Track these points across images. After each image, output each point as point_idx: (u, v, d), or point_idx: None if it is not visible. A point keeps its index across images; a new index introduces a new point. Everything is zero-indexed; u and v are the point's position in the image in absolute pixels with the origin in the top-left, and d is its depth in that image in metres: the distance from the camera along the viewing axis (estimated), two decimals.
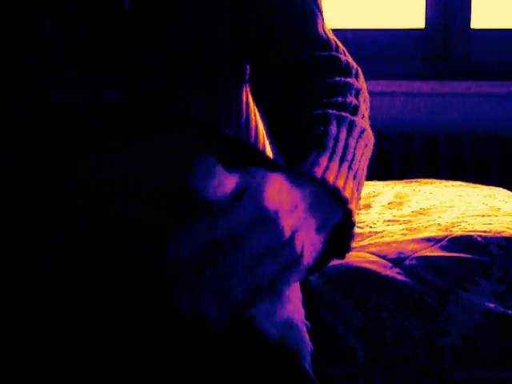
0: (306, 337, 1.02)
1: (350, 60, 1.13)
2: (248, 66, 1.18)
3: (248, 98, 1.20)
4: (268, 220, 0.80)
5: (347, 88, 1.05)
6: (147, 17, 1.17)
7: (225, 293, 0.79)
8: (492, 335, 1.22)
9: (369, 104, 1.08)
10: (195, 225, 0.79)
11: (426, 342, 1.22)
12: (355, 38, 2.68)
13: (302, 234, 0.82)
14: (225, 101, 1.14)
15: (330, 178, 0.87)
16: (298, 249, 0.81)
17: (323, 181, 0.86)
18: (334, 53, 1.12)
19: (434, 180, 1.89)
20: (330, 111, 0.98)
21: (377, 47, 2.71)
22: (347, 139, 0.94)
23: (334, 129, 0.95)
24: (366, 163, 0.97)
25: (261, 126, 1.23)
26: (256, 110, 1.21)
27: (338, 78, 1.06)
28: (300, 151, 0.92)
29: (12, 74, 1.19)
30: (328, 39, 1.15)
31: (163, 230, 0.80)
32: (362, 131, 0.98)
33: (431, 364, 1.21)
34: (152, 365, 0.93)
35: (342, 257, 0.90)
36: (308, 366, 0.95)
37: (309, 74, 1.10)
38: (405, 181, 1.88)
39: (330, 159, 0.90)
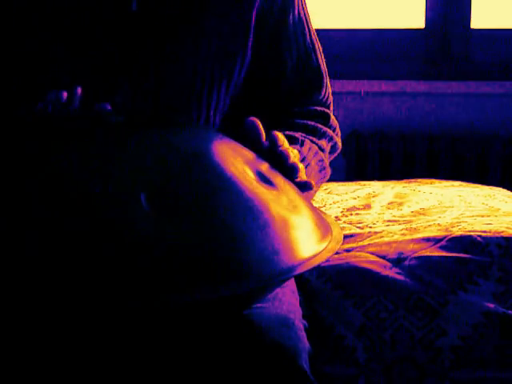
0: (304, 336, 1.02)
1: (336, 139, 1.33)
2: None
3: None
4: None
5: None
6: (157, 18, 1.18)
7: None
8: (491, 335, 1.22)
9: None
10: None
11: (426, 342, 1.22)
12: (355, 38, 2.67)
13: None
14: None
15: None
16: None
17: None
18: (328, 129, 1.32)
19: (433, 180, 1.89)
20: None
21: (377, 47, 2.71)
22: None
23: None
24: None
25: None
26: None
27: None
28: None
29: (12, 75, 1.19)
30: (327, 113, 1.33)
31: None
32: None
33: (431, 364, 1.21)
34: (152, 364, 0.93)
35: None
36: (305, 365, 0.95)
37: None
38: (405, 181, 1.88)
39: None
